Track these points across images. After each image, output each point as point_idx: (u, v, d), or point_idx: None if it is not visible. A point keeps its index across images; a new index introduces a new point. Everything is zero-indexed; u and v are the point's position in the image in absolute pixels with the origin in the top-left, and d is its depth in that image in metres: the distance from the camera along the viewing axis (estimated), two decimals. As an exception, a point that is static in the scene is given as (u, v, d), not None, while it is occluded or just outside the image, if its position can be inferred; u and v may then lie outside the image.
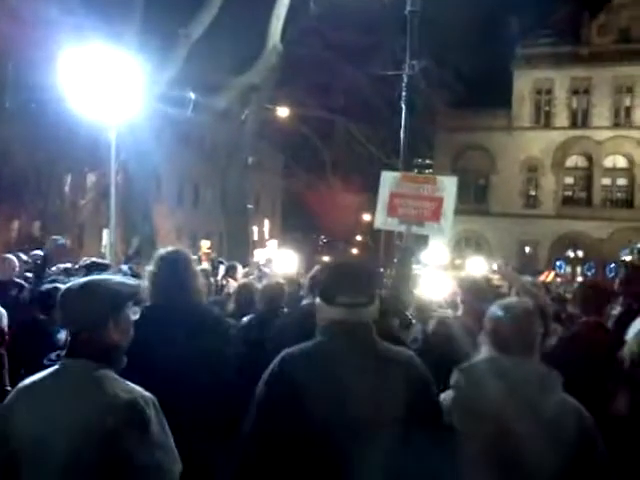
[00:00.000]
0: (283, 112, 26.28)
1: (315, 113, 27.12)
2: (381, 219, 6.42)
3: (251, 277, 8.65)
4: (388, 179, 6.49)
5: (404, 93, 10.26)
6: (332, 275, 2.48)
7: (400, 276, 5.97)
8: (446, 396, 2.53)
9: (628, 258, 6.48)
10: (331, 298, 2.34)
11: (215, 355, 3.12)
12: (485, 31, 38.12)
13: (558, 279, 23.67)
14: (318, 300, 2.42)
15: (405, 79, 10.22)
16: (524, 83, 42.21)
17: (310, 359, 2.30)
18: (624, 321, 4.46)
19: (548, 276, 23.42)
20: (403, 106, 10.08)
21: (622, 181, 41.01)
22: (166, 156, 21.35)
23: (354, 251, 36.12)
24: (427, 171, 44.20)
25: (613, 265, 19.30)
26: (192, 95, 17.70)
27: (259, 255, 16.84)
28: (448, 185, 6.08)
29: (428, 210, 6.10)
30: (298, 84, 24.30)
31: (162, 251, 3.45)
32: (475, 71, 38.45)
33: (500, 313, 2.55)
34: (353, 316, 2.32)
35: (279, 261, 12.14)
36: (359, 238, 47.11)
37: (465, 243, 42.79)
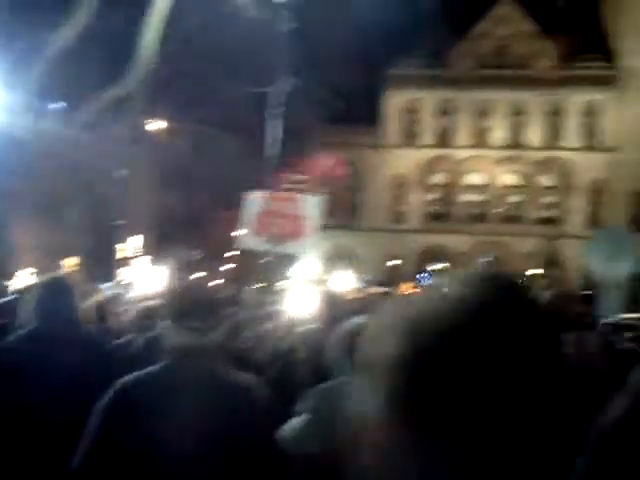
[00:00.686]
0: (158, 124, 25.81)
1: (191, 126, 26.88)
2: (246, 239, 6.51)
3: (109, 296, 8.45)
4: (254, 198, 6.60)
5: (275, 109, 10.58)
6: (176, 299, 2.46)
7: (264, 292, 6.07)
8: (300, 420, 2.55)
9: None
10: (175, 322, 2.33)
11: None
12: (358, 51, 39.70)
13: (417, 290, 24.87)
14: (164, 323, 2.45)
15: (277, 95, 10.54)
16: (393, 103, 44.18)
17: (147, 387, 2.23)
18: None
19: (407, 289, 24.62)
20: (274, 121, 10.38)
21: (480, 197, 43.83)
22: (26, 170, 20.19)
23: (228, 267, 35.72)
24: (302, 186, 44.84)
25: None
26: (58, 105, 16.99)
27: (125, 273, 16.39)
28: (313, 204, 6.33)
29: (293, 228, 6.25)
30: (174, 97, 24.01)
31: (44, 277, 3.46)
32: (347, 90, 39.96)
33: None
34: (195, 341, 2.27)
35: (148, 279, 11.90)
36: (233, 254, 46.71)
37: (336, 258, 43.85)
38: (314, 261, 36.45)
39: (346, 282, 29.16)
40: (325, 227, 46.56)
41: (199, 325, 2.31)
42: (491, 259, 7.05)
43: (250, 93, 20.85)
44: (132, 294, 9.27)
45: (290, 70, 11.75)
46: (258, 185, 11.19)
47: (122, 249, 23.35)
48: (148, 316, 5.12)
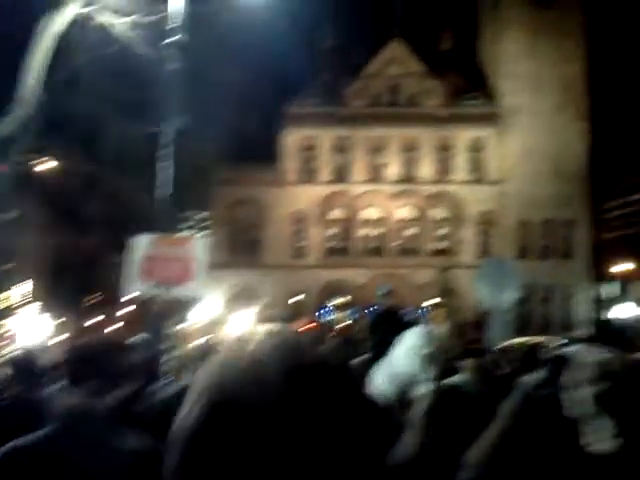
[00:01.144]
0: (49, 164, 24.83)
1: (83, 166, 26.05)
2: (133, 283, 6.38)
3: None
4: (142, 243, 6.51)
5: (166, 148, 10.48)
6: (71, 357, 2.35)
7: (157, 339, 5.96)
8: None
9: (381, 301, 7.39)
10: (70, 382, 2.23)
11: None
12: (256, 91, 40.25)
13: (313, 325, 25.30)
14: (57, 385, 2.35)
15: (168, 135, 10.45)
16: (292, 140, 44.93)
17: (30, 455, 2.08)
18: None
19: (305, 324, 24.79)
20: (164, 162, 10.27)
21: (377, 231, 45.04)
22: None
23: (123, 312, 34.61)
24: (203, 223, 44.48)
25: (372, 309, 21.22)
26: None
27: (10, 323, 15.48)
28: (199, 245, 6.32)
29: (179, 272, 6.23)
30: (65, 136, 23.26)
31: None
32: (247, 128, 40.35)
33: None
34: (86, 404, 2.15)
35: (36, 329, 11.34)
36: (131, 297, 45.25)
37: (239, 296, 43.52)
38: (215, 301, 36.01)
39: (247, 321, 29.03)
40: (227, 265, 46.34)
41: (96, 386, 2.20)
42: (386, 292, 7.28)
43: (142, 132, 20.52)
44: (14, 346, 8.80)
45: (182, 109, 11.72)
46: (149, 227, 10.92)
47: (5, 298, 21.98)
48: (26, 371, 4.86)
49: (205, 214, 44.86)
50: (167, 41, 11.16)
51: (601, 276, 49.64)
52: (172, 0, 10.84)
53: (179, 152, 11.73)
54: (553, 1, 45.28)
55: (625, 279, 53.90)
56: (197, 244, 6.40)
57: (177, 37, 10.80)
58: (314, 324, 27.85)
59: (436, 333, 4.89)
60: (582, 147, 44.71)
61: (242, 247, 44.51)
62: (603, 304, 46.69)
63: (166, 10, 11.09)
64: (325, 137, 44.94)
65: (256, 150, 41.79)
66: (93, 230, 28.66)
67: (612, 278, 55.28)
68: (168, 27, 11.26)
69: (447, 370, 6.04)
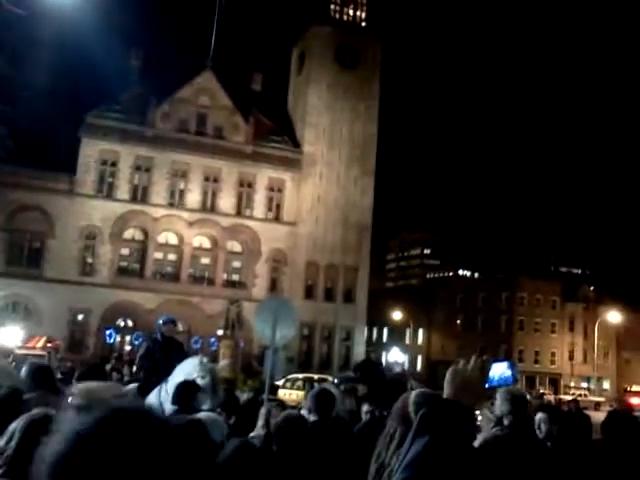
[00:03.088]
0: None
1: None
2: None
3: None
4: None
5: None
6: None
7: None
8: None
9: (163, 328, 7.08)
10: None
11: None
12: (57, 94, 37.70)
13: (49, 344, 24.95)
14: None
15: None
16: (90, 151, 42.68)
17: None
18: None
19: (38, 341, 24.43)
20: None
21: (172, 256, 44.42)
22: None
23: None
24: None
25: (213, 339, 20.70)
26: None
27: None
28: None
29: None
30: None
31: None
32: (41, 131, 37.44)
33: None
34: None
35: None
36: None
37: (13, 308, 39.81)
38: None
39: (16, 336, 26.64)
40: (3, 274, 42.21)
41: None
42: (166, 321, 7.17)
43: None
44: None
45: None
46: None
47: None
48: None
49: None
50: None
51: (375, 320, 54.05)
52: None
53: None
54: (356, 64, 49.47)
55: (394, 326, 59.36)
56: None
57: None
58: (55, 342, 26.94)
59: (210, 365, 5.00)
60: (367, 200, 48.78)
61: (21, 257, 40.75)
62: (375, 346, 50.77)
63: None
64: (126, 154, 43.41)
65: (49, 156, 38.89)
66: None
67: (384, 323, 60.51)
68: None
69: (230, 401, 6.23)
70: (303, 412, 4.31)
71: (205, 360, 5.09)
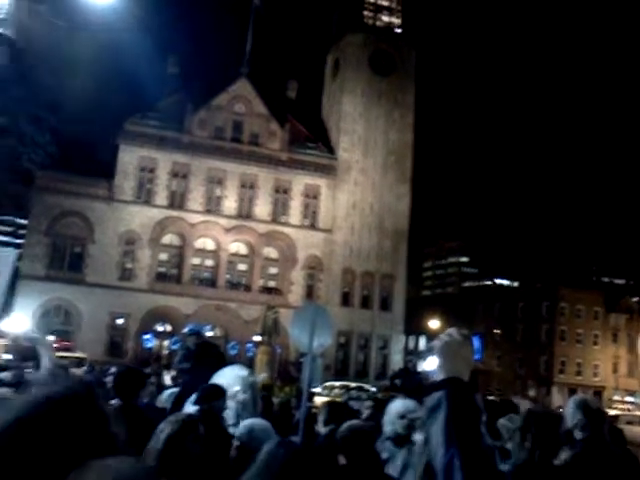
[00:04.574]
0: None
1: None
2: None
3: None
4: None
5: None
6: None
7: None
8: None
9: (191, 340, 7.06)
10: None
11: None
12: (98, 101, 38.40)
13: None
14: None
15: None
16: (129, 158, 43.29)
17: None
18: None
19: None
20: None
21: (209, 262, 44.68)
22: None
23: None
24: (22, 232, 40.99)
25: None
26: None
27: None
28: (3, 256, 5.72)
29: None
30: None
31: None
32: (82, 138, 38.15)
33: None
34: None
35: None
36: None
37: (55, 312, 40.52)
38: (23, 315, 33.02)
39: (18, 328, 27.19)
40: (43, 278, 43.11)
41: None
42: (192, 332, 7.13)
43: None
44: None
45: (6, 109, 10.79)
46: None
47: None
48: None
49: (23, 221, 41.31)
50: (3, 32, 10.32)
51: (412, 329, 53.39)
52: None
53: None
54: (391, 71, 49.22)
55: (431, 335, 58.55)
56: (2, 255, 5.77)
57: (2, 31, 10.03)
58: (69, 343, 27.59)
59: (252, 379, 4.85)
60: (403, 207, 48.35)
61: (63, 261, 41.52)
62: (412, 355, 50.11)
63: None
64: (164, 161, 43.94)
65: (90, 163, 39.62)
66: None
67: (421, 332, 59.80)
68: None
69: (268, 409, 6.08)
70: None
71: (246, 374, 4.88)
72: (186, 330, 7.91)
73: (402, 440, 3.88)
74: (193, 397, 5.16)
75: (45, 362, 4.69)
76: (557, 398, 48.83)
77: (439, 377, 1.40)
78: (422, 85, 49.86)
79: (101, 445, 1.01)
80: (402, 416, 4.03)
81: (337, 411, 4.78)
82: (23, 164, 25.92)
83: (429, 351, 1.47)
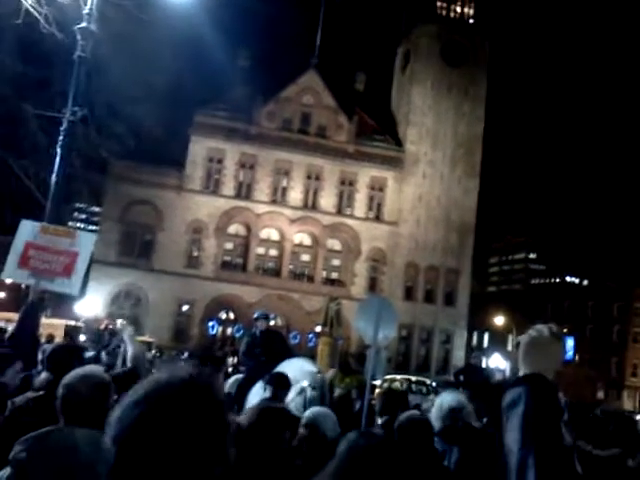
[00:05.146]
0: None
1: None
2: (10, 269, 5.96)
3: None
4: (27, 228, 6.11)
5: (61, 137, 9.91)
6: None
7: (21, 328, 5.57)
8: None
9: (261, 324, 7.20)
10: None
11: None
12: (169, 92, 39.35)
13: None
14: None
15: (64, 124, 9.85)
16: (198, 149, 44.29)
17: None
18: None
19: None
20: (58, 150, 9.69)
21: (274, 252, 45.24)
22: None
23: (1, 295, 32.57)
24: (95, 219, 42.57)
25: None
26: None
27: None
28: (85, 240, 5.96)
29: (61, 265, 5.86)
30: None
31: None
32: (153, 128, 39.19)
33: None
34: None
35: None
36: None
37: (125, 296, 42.02)
38: (97, 298, 34.30)
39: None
40: (115, 264, 44.52)
41: None
42: (261, 316, 7.29)
43: (40, 116, 19.39)
44: None
45: (85, 98, 11.09)
46: (40, 213, 10.34)
47: None
48: None
49: (97, 209, 42.94)
50: (78, 26, 10.60)
51: (476, 325, 52.41)
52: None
53: (76, 141, 11.13)
54: (462, 62, 48.17)
55: (495, 331, 57.32)
56: (84, 239, 6.02)
57: (86, 24, 10.32)
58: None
59: (321, 377, 4.83)
60: (471, 201, 47.40)
61: (133, 248, 43.03)
62: (475, 351, 49.12)
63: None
64: (232, 152, 44.71)
65: (160, 153, 40.69)
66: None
67: (485, 328, 58.59)
68: (84, 11, 10.73)
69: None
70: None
71: (316, 370, 4.88)
72: (255, 314, 8.05)
73: (453, 435, 3.80)
74: (258, 385, 5.22)
75: (129, 347, 4.96)
76: (628, 402, 46.96)
77: (521, 373, 1.35)
78: (494, 76, 48.76)
79: (217, 431, 1.08)
80: (453, 410, 3.91)
81: (392, 401, 4.66)
82: (101, 154, 26.83)
83: (516, 346, 1.41)
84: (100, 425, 2.49)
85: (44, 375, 3.95)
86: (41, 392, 3.25)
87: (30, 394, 3.36)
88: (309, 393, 4.36)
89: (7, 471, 2.30)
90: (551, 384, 1.32)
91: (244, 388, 5.84)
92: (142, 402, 1.06)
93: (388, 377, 24.71)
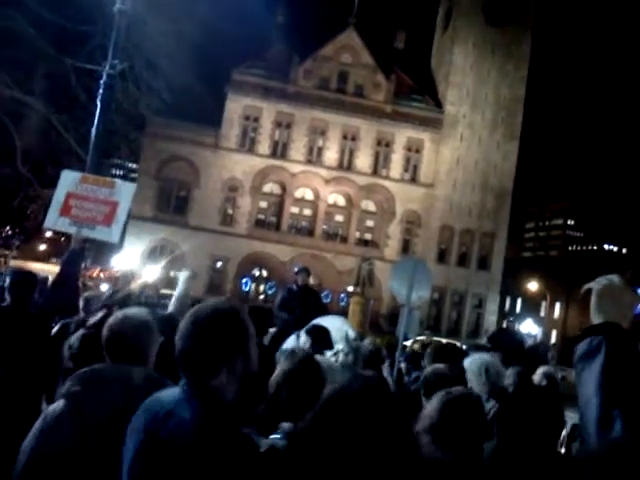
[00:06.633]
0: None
1: (7, 92, 24.37)
2: (52, 218, 6.08)
3: None
4: (67, 178, 6.21)
5: (101, 90, 9.97)
6: None
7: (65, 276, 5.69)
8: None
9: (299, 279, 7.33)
10: None
11: None
12: (205, 50, 39.15)
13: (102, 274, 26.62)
14: None
15: (104, 77, 9.89)
16: (235, 107, 44.16)
17: None
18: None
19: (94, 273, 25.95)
20: (98, 103, 9.76)
21: (307, 212, 45.30)
22: None
23: (42, 248, 33.49)
24: (132, 175, 43.11)
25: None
26: None
27: None
28: (125, 190, 6.05)
29: (101, 214, 5.97)
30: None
31: None
32: (190, 85, 39.17)
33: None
34: None
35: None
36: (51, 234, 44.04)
37: (160, 251, 42.77)
38: (134, 252, 34.95)
39: (154, 274, 28.76)
40: (151, 219, 45.23)
41: None
42: (300, 269, 7.35)
43: (80, 68, 19.45)
44: None
45: (124, 52, 11.10)
46: (80, 168, 10.50)
47: None
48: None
49: (134, 166, 43.43)
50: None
51: (509, 290, 52.02)
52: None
53: (115, 95, 11.18)
54: (506, 22, 46.63)
55: (529, 297, 56.86)
56: (123, 189, 6.10)
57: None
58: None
59: (356, 344, 4.78)
60: (509, 165, 46.49)
61: (169, 204, 43.59)
62: (507, 316, 48.93)
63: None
64: (268, 110, 44.48)
65: (197, 110, 40.73)
66: (15, 162, 26.94)
67: (518, 294, 58.10)
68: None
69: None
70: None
71: (353, 335, 4.86)
72: (296, 268, 8.11)
73: (496, 392, 3.79)
74: (292, 337, 5.28)
75: (177, 289, 5.51)
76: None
77: (595, 321, 1.29)
78: (538, 38, 47.04)
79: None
80: (486, 369, 3.92)
81: (444, 355, 4.63)
82: (139, 109, 26.89)
83: (585, 293, 1.36)
84: (144, 364, 2.56)
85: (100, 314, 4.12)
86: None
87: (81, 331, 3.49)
88: (341, 358, 4.35)
89: (60, 404, 2.37)
90: (629, 333, 1.27)
91: (277, 340, 5.91)
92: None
93: (419, 338, 24.78)
